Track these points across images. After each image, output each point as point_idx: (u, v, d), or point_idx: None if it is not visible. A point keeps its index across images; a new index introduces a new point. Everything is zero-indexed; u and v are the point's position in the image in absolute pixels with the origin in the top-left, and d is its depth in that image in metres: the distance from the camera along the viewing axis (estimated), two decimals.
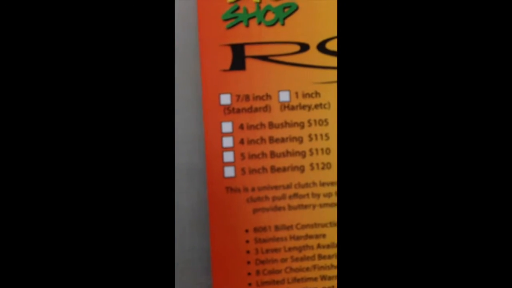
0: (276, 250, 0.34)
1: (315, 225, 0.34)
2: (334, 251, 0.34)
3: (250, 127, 0.34)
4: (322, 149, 0.34)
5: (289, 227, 0.34)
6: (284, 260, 0.34)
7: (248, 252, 0.34)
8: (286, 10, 0.34)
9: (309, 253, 0.34)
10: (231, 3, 0.33)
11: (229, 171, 0.34)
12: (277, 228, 0.34)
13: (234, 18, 0.33)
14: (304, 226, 0.34)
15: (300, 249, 0.34)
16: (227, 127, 0.33)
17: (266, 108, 0.34)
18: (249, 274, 0.34)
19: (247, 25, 0.33)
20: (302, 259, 0.34)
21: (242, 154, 0.34)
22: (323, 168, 0.34)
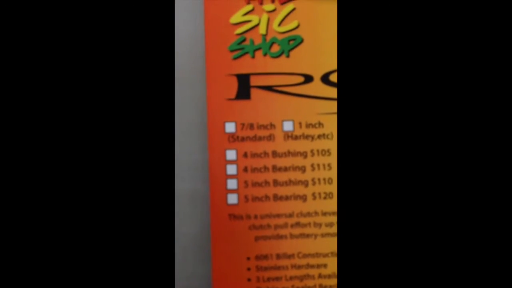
0: (277, 279, 0.34)
1: (317, 255, 0.34)
2: (335, 281, 0.34)
3: (254, 155, 0.34)
4: (324, 179, 0.35)
5: (290, 256, 0.34)
6: None
7: (249, 280, 0.34)
8: (291, 42, 0.35)
9: (310, 282, 0.34)
10: (237, 34, 0.34)
11: (232, 198, 0.34)
12: (278, 256, 0.34)
13: (241, 49, 0.34)
14: (305, 255, 0.34)
15: (301, 278, 0.34)
16: (231, 154, 0.34)
17: (270, 137, 0.34)
18: None
19: (253, 56, 0.34)
20: None
21: (246, 182, 0.34)
22: (325, 198, 0.35)
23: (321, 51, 0.35)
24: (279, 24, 0.34)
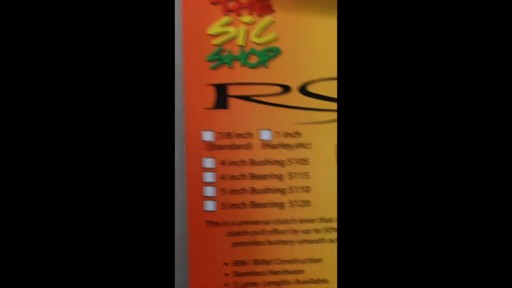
0: (254, 284, 0.35)
1: (294, 261, 0.35)
2: (311, 287, 0.35)
3: (232, 163, 0.35)
4: (302, 187, 0.35)
5: (268, 262, 0.35)
6: None
7: (226, 285, 0.35)
8: (269, 53, 0.35)
9: None
10: (215, 45, 0.35)
11: (209, 205, 0.35)
12: (256, 262, 0.35)
13: (218, 59, 0.35)
14: (282, 262, 0.35)
15: (278, 284, 0.35)
16: (209, 162, 0.35)
17: (248, 146, 0.35)
18: None
19: (231, 67, 0.35)
20: None
21: (223, 189, 0.35)
22: (302, 206, 0.35)
23: (299, 62, 0.35)
24: (257, 36, 0.35)
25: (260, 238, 0.35)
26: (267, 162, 0.35)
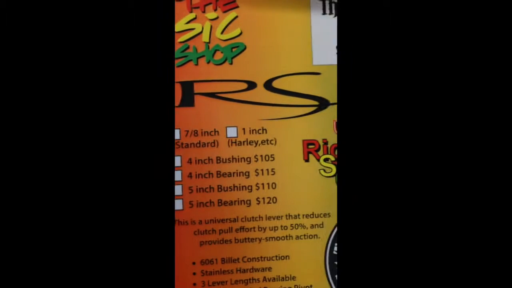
0: (222, 283, 0.35)
1: (261, 258, 0.35)
2: (280, 284, 0.35)
3: (199, 161, 0.35)
4: (268, 184, 0.35)
5: (235, 260, 0.35)
6: None
7: (195, 284, 0.34)
8: (234, 50, 0.35)
9: (255, 286, 0.35)
10: (181, 42, 0.35)
11: (177, 204, 0.34)
12: (223, 260, 0.35)
13: (184, 57, 0.35)
14: (250, 259, 0.35)
15: (246, 282, 0.35)
16: (176, 161, 0.34)
17: (214, 144, 0.35)
18: None
19: (196, 64, 0.35)
20: None
21: (190, 188, 0.35)
22: (269, 202, 0.35)
23: (264, 58, 0.35)
24: (222, 32, 0.35)
25: (227, 236, 0.35)
26: (234, 159, 0.35)
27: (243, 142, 0.35)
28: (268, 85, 0.35)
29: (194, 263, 0.34)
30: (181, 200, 0.34)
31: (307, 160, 0.35)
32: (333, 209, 0.35)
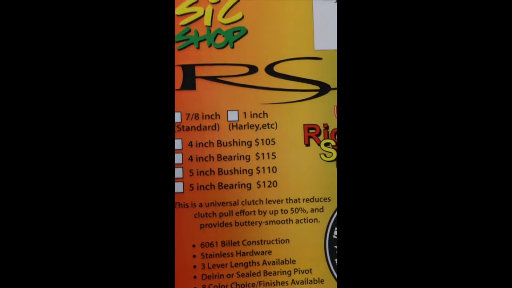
0: (222, 266, 0.35)
1: (261, 242, 0.35)
2: (279, 267, 0.35)
3: (199, 144, 0.35)
4: (268, 168, 0.35)
5: (235, 243, 0.35)
6: (230, 275, 0.35)
7: (194, 267, 0.35)
8: (235, 34, 0.35)
9: (254, 269, 0.35)
10: (182, 25, 0.35)
11: (178, 187, 0.34)
12: (223, 244, 0.35)
13: (185, 40, 0.35)
14: (250, 243, 0.35)
15: (246, 265, 0.35)
16: (177, 144, 0.35)
17: (215, 127, 0.35)
18: None
19: (198, 47, 0.35)
20: (248, 275, 0.35)
21: (191, 171, 0.35)
22: (269, 186, 0.35)
23: (265, 42, 0.35)
24: (224, 16, 0.35)
25: (227, 219, 0.35)
26: (234, 143, 0.35)
27: (244, 126, 0.35)
28: (270, 69, 0.35)
29: (194, 246, 0.35)
30: (181, 183, 0.34)
31: (307, 145, 0.35)
32: (333, 194, 0.35)
